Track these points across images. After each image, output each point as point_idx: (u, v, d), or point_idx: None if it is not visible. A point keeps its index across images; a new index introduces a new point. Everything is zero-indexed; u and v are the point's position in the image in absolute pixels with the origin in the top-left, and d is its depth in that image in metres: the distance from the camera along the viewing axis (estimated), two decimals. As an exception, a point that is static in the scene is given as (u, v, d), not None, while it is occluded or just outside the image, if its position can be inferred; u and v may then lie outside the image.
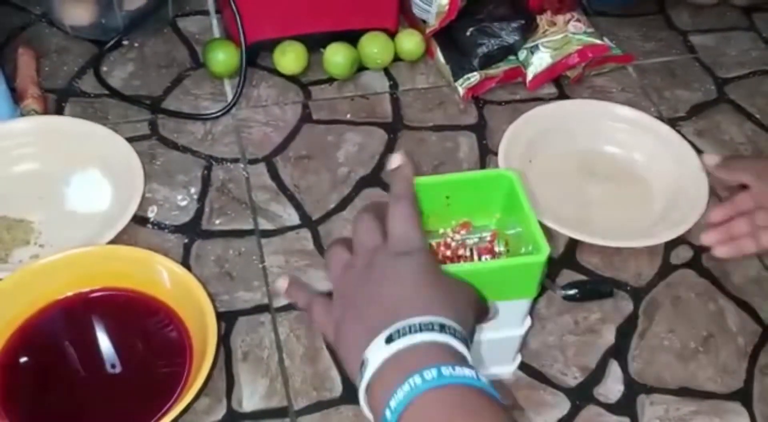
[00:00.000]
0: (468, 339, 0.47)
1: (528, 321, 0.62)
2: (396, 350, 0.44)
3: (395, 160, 0.54)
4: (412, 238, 0.50)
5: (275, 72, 0.92)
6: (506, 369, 0.67)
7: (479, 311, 0.52)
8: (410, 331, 0.44)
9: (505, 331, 0.61)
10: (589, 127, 0.87)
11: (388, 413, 0.42)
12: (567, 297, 0.72)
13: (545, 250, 0.53)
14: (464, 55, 0.91)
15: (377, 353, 0.44)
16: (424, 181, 0.56)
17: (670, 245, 0.79)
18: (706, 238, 0.69)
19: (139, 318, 0.69)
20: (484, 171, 0.56)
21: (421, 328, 0.44)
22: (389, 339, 0.44)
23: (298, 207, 0.79)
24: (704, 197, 0.79)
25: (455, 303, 0.48)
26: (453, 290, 0.49)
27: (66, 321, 0.69)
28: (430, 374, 0.42)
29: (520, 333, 0.62)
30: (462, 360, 0.44)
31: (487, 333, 0.60)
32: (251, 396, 0.66)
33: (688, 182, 0.81)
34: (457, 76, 0.91)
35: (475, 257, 0.58)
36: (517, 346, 0.65)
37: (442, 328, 0.45)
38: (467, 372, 0.43)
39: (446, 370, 0.42)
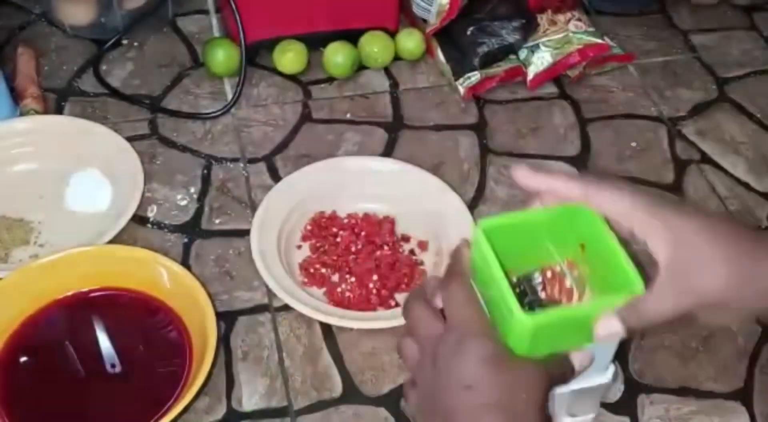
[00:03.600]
0: None
1: (612, 368, 0.57)
2: None
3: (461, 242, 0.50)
4: (472, 321, 0.47)
5: (275, 71, 0.92)
6: (585, 418, 0.63)
7: (559, 379, 0.49)
8: None
9: (589, 380, 0.56)
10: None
11: None
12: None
13: (638, 281, 0.46)
14: (465, 54, 0.91)
15: None
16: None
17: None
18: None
19: (139, 317, 0.69)
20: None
21: None
22: None
23: (298, 206, 0.79)
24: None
25: (515, 406, 0.45)
26: (518, 387, 0.46)
27: (66, 320, 0.69)
28: None
29: (606, 381, 0.58)
30: None
31: (571, 384, 0.55)
32: (251, 396, 0.66)
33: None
34: (457, 75, 0.91)
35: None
36: (600, 396, 0.61)
37: None
38: None
39: None
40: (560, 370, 0.49)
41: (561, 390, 0.58)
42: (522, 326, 0.45)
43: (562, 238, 0.50)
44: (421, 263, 0.75)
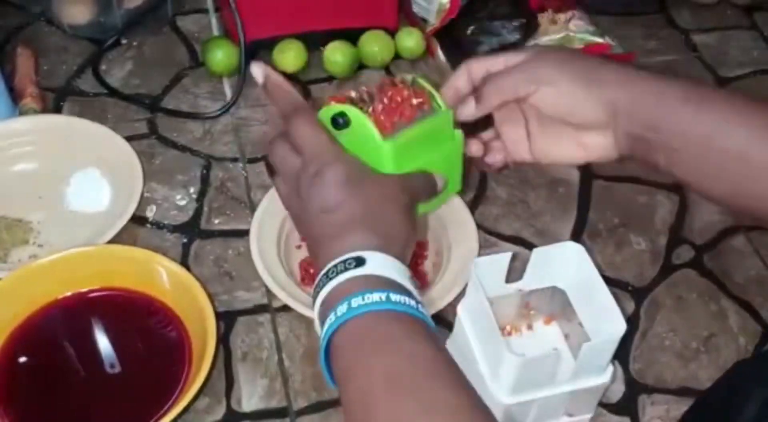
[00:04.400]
0: (401, 254, 0.49)
1: (610, 368, 0.60)
2: (325, 294, 0.47)
3: (257, 72, 0.56)
4: (323, 151, 0.51)
5: (275, 70, 0.92)
6: (582, 418, 0.65)
7: (424, 191, 0.54)
8: (329, 276, 0.47)
9: (587, 380, 0.59)
10: None
11: (322, 352, 0.46)
12: None
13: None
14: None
15: (319, 289, 0.48)
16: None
17: (671, 245, 0.78)
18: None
19: (138, 318, 0.68)
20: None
21: (338, 271, 0.47)
22: (325, 278, 0.48)
23: (297, 206, 0.79)
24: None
25: (382, 217, 0.50)
26: (379, 200, 0.50)
27: (65, 321, 0.69)
28: (341, 309, 0.45)
29: (604, 382, 0.60)
30: (380, 283, 0.46)
31: (569, 384, 0.58)
32: (251, 396, 0.66)
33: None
34: (457, 74, 0.91)
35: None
36: (598, 397, 0.63)
37: (359, 262, 0.47)
38: (376, 297, 0.45)
39: (355, 301, 0.45)
40: (425, 183, 0.54)
41: (560, 390, 0.59)
42: (384, 151, 0.53)
43: None
44: (422, 263, 0.74)
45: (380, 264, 0.47)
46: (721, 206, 0.58)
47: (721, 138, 0.51)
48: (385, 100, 0.55)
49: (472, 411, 0.42)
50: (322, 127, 0.53)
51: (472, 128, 0.62)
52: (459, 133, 0.59)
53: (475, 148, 0.62)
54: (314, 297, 0.49)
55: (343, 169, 0.51)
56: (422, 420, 0.41)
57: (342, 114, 0.54)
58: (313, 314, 0.49)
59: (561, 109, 0.56)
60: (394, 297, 0.45)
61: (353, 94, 0.57)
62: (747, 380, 0.51)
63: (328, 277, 0.47)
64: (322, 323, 0.47)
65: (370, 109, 0.55)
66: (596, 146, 0.57)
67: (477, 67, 0.60)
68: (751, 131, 0.51)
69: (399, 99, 0.56)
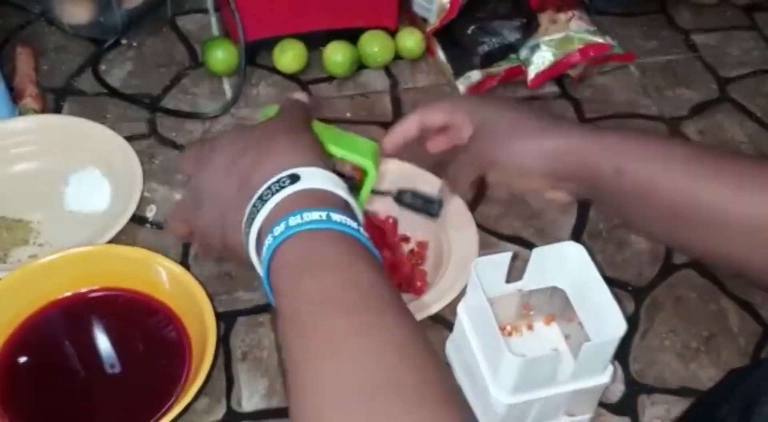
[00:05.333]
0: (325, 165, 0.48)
1: (610, 368, 0.60)
2: (263, 218, 0.45)
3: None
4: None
5: (275, 70, 0.92)
6: (582, 418, 0.65)
7: (297, 107, 0.55)
8: (263, 198, 0.45)
9: (587, 380, 0.59)
10: None
11: (264, 274, 0.44)
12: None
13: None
14: (465, 53, 0.91)
15: (254, 215, 0.46)
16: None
17: (672, 245, 0.79)
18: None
19: (138, 318, 0.68)
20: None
21: (272, 192, 0.45)
22: (259, 202, 0.45)
23: (297, 206, 0.79)
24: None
25: (290, 137, 0.49)
26: (276, 127, 0.51)
27: (65, 321, 0.69)
28: (279, 228, 0.43)
29: (604, 382, 0.60)
30: (320, 200, 0.45)
31: (569, 384, 0.59)
32: (251, 396, 0.66)
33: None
34: (458, 74, 0.91)
35: None
36: (598, 397, 0.63)
37: (294, 179, 0.45)
38: (315, 215, 0.43)
39: (293, 220, 0.43)
40: (292, 109, 0.54)
41: (560, 390, 0.59)
42: None
43: None
44: (422, 264, 0.74)
45: (316, 177, 0.45)
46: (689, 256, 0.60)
47: (662, 189, 0.52)
48: None
49: (407, 335, 0.40)
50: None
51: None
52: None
53: (389, 145, 0.63)
54: (248, 226, 0.46)
55: (230, 134, 0.51)
56: (354, 342, 0.40)
57: None
58: (249, 248, 0.46)
59: (508, 182, 0.61)
60: (335, 216, 0.44)
61: None
62: (735, 391, 0.51)
63: (262, 200, 0.45)
64: (260, 250, 0.45)
65: None
66: (557, 198, 0.61)
67: (430, 118, 0.63)
68: (692, 178, 0.52)
69: None
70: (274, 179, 0.45)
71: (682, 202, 0.51)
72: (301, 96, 0.57)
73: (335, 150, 0.55)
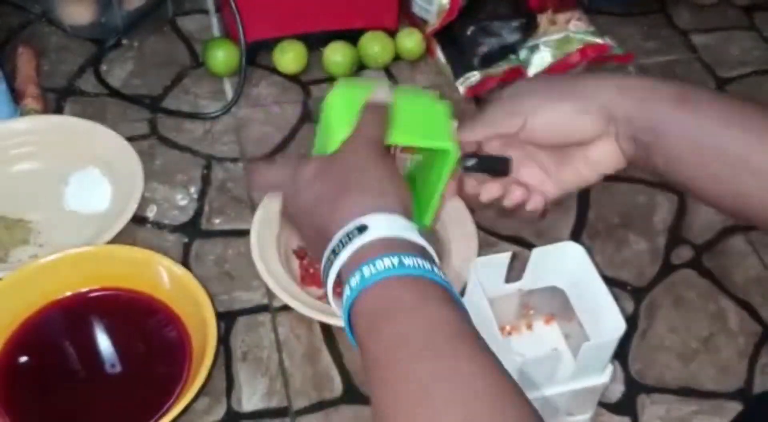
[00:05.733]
0: (403, 208, 0.47)
1: (610, 368, 0.60)
2: (336, 271, 0.46)
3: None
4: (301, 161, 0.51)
5: (275, 71, 0.92)
6: (582, 417, 0.65)
7: (376, 121, 0.52)
8: (336, 252, 0.45)
9: (586, 380, 0.59)
10: None
11: (346, 325, 0.45)
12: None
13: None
14: (465, 54, 0.91)
15: (329, 267, 0.46)
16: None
17: (671, 245, 0.79)
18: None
19: (138, 318, 0.68)
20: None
21: (342, 245, 0.45)
22: (332, 255, 0.46)
23: (298, 206, 0.79)
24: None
25: (368, 177, 0.48)
26: (356, 164, 0.49)
27: (65, 321, 0.69)
28: (354, 280, 0.43)
29: (604, 381, 0.60)
30: (391, 246, 0.44)
31: (568, 384, 0.59)
32: (251, 396, 0.66)
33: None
34: (457, 75, 0.91)
35: None
36: (597, 396, 0.63)
37: (361, 229, 0.45)
38: (387, 262, 0.43)
39: (367, 270, 0.43)
40: (368, 119, 0.52)
41: (560, 390, 0.59)
42: None
43: None
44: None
45: (384, 224, 0.45)
46: (719, 211, 0.57)
47: (718, 141, 0.51)
48: None
49: (490, 378, 0.40)
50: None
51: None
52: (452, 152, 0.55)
53: (491, 190, 0.58)
54: (325, 281, 0.47)
55: (308, 168, 0.50)
56: (438, 387, 0.39)
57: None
58: (328, 297, 0.47)
59: (555, 133, 0.55)
60: (407, 260, 0.43)
61: None
62: None
63: (335, 253, 0.46)
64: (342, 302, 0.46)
65: None
66: (605, 158, 0.55)
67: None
68: (749, 134, 0.51)
69: None
70: (344, 231, 0.46)
71: (711, 148, 0.51)
72: (384, 93, 0.54)
73: (408, 139, 0.53)
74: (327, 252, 0.46)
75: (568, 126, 0.54)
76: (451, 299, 0.44)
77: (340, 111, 0.53)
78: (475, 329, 0.43)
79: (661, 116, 0.52)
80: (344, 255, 0.45)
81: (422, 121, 0.54)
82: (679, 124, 0.52)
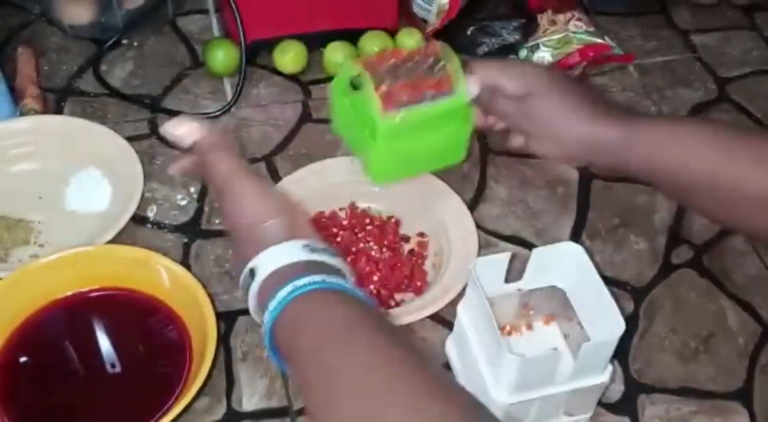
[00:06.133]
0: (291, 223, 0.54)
1: (609, 368, 0.60)
2: (251, 306, 0.53)
3: (180, 132, 0.62)
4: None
5: (275, 71, 0.92)
6: (582, 417, 0.65)
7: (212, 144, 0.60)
8: (244, 293, 0.53)
9: (586, 380, 0.59)
10: None
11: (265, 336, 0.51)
12: None
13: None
14: (465, 54, 0.91)
15: (247, 284, 0.53)
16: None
17: (671, 245, 0.79)
18: None
19: (138, 318, 0.69)
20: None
21: (245, 286, 0.53)
22: (251, 274, 0.53)
23: (298, 206, 0.79)
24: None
25: (243, 226, 0.55)
26: (240, 200, 0.55)
27: (65, 320, 0.69)
28: (266, 316, 0.50)
29: (603, 381, 0.60)
30: (282, 276, 0.50)
31: (568, 384, 0.59)
32: (251, 396, 0.66)
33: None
34: (457, 75, 0.91)
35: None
36: (597, 396, 0.63)
37: (253, 274, 0.52)
38: (284, 292, 0.49)
39: (271, 304, 0.50)
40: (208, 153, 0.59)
41: (559, 390, 0.59)
42: (379, 127, 0.58)
43: None
44: (422, 263, 0.74)
45: (267, 262, 0.52)
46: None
47: (712, 178, 0.57)
48: (402, 77, 0.57)
49: (385, 354, 0.45)
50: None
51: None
52: (470, 112, 0.62)
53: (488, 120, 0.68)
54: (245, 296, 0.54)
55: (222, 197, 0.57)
56: (343, 369, 0.45)
57: (357, 77, 0.57)
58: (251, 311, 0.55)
59: (550, 152, 0.67)
60: (299, 281, 0.49)
61: (382, 63, 0.60)
62: None
63: (246, 295, 0.53)
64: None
65: (384, 83, 0.57)
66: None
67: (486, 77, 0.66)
68: (741, 163, 0.55)
69: (416, 78, 0.58)
70: (241, 278, 0.53)
71: (709, 181, 0.57)
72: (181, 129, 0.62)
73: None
74: (240, 287, 0.54)
75: (552, 155, 0.66)
76: (346, 297, 0.50)
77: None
78: (376, 313, 0.50)
79: (654, 152, 0.60)
80: (249, 298, 0.53)
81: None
82: (672, 163, 0.57)
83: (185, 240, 0.76)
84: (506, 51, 0.91)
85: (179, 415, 0.59)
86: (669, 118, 0.62)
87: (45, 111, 0.85)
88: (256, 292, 0.52)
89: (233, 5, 0.87)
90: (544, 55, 0.91)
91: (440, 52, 0.62)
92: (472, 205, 0.80)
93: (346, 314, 0.48)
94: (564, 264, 0.63)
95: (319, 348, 0.47)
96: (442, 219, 0.76)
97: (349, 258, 0.74)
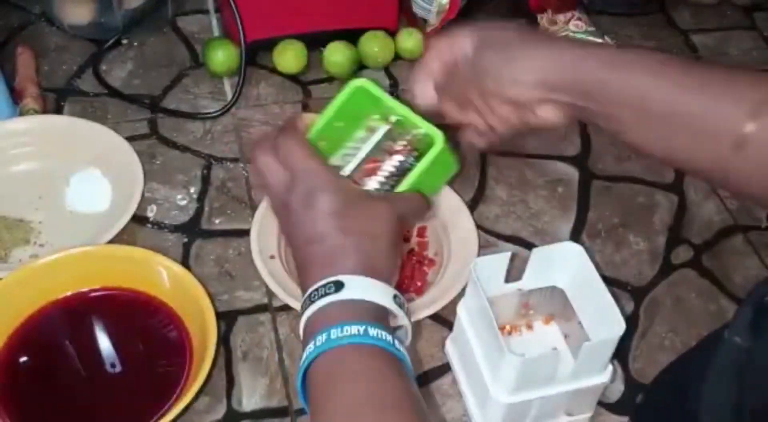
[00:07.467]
0: (388, 278, 0.50)
1: (610, 368, 0.60)
2: (306, 318, 0.48)
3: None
4: (314, 175, 0.51)
5: (275, 71, 0.92)
6: (582, 417, 0.65)
7: (415, 213, 0.54)
8: (312, 299, 0.48)
9: (586, 380, 0.60)
10: None
11: (298, 378, 0.47)
12: None
13: (438, 136, 0.55)
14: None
15: (302, 315, 0.49)
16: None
17: (671, 245, 0.79)
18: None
19: (139, 318, 0.69)
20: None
21: (319, 295, 0.48)
22: (303, 306, 0.49)
23: (298, 206, 0.79)
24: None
25: (368, 250, 0.50)
26: (366, 232, 0.50)
27: (66, 320, 0.69)
28: (321, 339, 0.46)
29: (604, 381, 0.60)
30: (360, 312, 0.47)
31: (568, 383, 0.59)
32: (251, 396, 0.66)
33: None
34: (457, 75, 0.91)
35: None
36: (597, 396, 0.63)
37: (338, 287, 0.47)
38: (354, 330, 0.46)
39: (335, 333, 0.46)
40: (416, 205, 0.54)
41: (559, 390, 0.59)
42: None
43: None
44: (422, 263, 0.74)
45: (360, 287, 0.48)
46: (671, 167, 0.58)
47: (653, 100, 0.51)
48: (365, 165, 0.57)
49: None
50: (315, 151, 0.53)
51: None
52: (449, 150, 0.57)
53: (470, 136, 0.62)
54: (301, 312, 0.50)
55: (332, 198, 0.50)
56: None
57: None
58: (300, 328, 0.50)
59: (510, 86, 0.57)
60: (372, 331, 0.46)
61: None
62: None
63: (310, 300, 0.48)
64: (305, 347, 0.48)
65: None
66: (551, 116, 0.57)
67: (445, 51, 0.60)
68: (681, 87, 0.51)
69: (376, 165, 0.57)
70: (323, 283, 0.48)
71: (672, 111, 0.51)
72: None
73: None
74: (304, 298, 0.49)
75: (512, 92, 0.57)
76: (403, 372, 0.46)
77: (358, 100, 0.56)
78: (418, 395, 0.46)
79: (591, 82, 0.53)
80: (317, 306, 0.48)
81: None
82: (610, 88, 0.53)
83: (185, 240, 0.76)
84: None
85: (179, 415, 0.59)
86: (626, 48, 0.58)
87: (45, 111, 0.85)
88: (327, 303, 0.47)
89: (233, 5, 0.87)
90: (544, 55, 0.91)
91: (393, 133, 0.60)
92: (472, 205, 0.80)
93: (397, 390, 0.45)
94: (564, 264, 0.63)
95: (358, 412, 0.44)
96: (442, 219, 0.76)
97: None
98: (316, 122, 0.55)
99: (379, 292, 0.48)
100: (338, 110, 0.56)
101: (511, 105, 0.58)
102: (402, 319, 0.49)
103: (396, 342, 0.47)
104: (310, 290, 0.49)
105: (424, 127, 0.56)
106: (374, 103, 0.58)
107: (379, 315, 0.48)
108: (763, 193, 0.48)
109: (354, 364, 0.46)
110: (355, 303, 0.47)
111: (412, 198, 0.54)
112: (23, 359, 0.66)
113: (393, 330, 0.48)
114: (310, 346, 0.46)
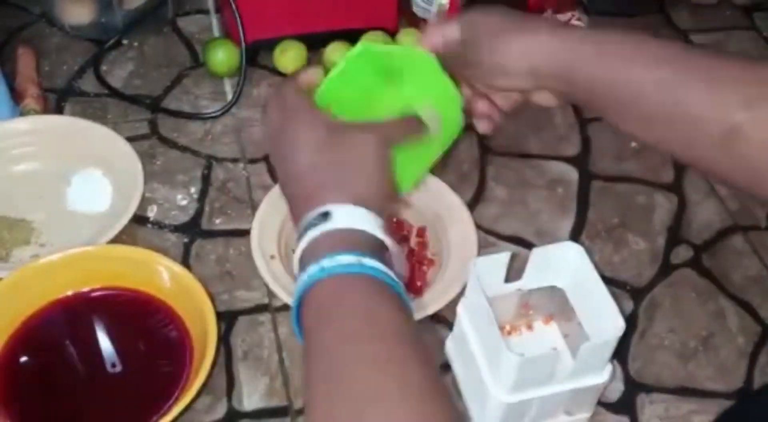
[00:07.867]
0: (379, 206, 0.50)
1: (609, 368, 0.60)
2: (300, 252, 0.48)
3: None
4: (301, 111, 0.52)
5: (275, 71, 0.92)
6: (581, 416, 0.65)
7: (408, 136, 0.54)
8: (303, 234, 0.48)
9: (585, 379, 0.59)
10: None
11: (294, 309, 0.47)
12: None
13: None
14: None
15: (300, 239, 0.49)
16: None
17: (670, 245, 0.79)
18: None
19: (139, 317, 0.69)
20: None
21: (308, 227, 0.48)
22: (303, 231, 0.48)
23: (298, 206, 0.79)
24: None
25: (356, 179, 0.50)
26: (353, 162, 0.50)
27: (66, 320, 0.69)
28: (314, 268, 0.45)
29: (603, 381, 0.60)
30: (353, 241, 0.46)
31: (568, 383, 0.59)
32: (251, 396, 0.66)
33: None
34: (457, 75, 0.91)
35: None
36: (596, 396, 0.63)
37: (326, 217, 0.48)
38: (347, 259, 0.45)
39: (327, 262, 0.45)
40: (408, 127, 0.54)
41: (559, 389, 0.59)
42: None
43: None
44: (422, 263, 0.74)
45: (346, 216, 0.48)
46: (660, 151, 0.58)
47: (643, 94, 0.51)
48: None
49: (418, 375, 0.42)
50: (308, 97, 0.54)
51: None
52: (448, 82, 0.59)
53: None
54: (296, 246, 0.50)
55: (315, 132, 0.51)
56: (371, 378, 0.42)
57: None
58: (294, 264, 0.49)
59: (499, 75, 0.58)
60: (367, 261, 0.46)
61: None
62: None
63: (302, 235, 0.48)
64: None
65: None
66: (545, 99, 0.58)
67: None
68: (657, 72, 0.51)
69: None
70: (312, 215, 0.48)
71: (658, 101, 0.51)
72: (431, 115, 0.56)
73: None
74: (300, 229, 0.49)
75: (502, 82, 0.58)
76: (397, 301, 0.46)
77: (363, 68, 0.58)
78: (415, 328, 0.45)
79: (573, 66, 0.54)
80: (308, 238, 0.47)
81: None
82: (590, 71, 0.53)
83: (185, 240, 0.76)
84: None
85: (180, 415, 0.59)
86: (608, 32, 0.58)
87: (45, 111, 0.85)
88: (317, 234, 0.47)
89: (233, 5, 0.87)
90: (543, 55, 0.91)
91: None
92: (472, 205, 0.80)
93: (395, 320, 0.45)
94: (564, 264, 0.63)
95: (357, 343, 0.43)
96: (442, 219, 0.76)
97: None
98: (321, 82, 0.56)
99: (366, 220, 0.48)
100: (341, 76, 0.57)
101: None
102: (391, 247, 0.49)
103: (390, 272, 0.47)
104: (300, 225, 0.49)
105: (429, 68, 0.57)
106: (385, 71, 0.59)
107: (375, 248, 0.47)
108: (756, 182, 0.48)
109: (348, 294, 0.45)
110: (346, 232, 0.47)
111: (403, 121, 0.54)
112: (23, 359, 0.66)
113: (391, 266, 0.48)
114: (303, 277, 0.46)
